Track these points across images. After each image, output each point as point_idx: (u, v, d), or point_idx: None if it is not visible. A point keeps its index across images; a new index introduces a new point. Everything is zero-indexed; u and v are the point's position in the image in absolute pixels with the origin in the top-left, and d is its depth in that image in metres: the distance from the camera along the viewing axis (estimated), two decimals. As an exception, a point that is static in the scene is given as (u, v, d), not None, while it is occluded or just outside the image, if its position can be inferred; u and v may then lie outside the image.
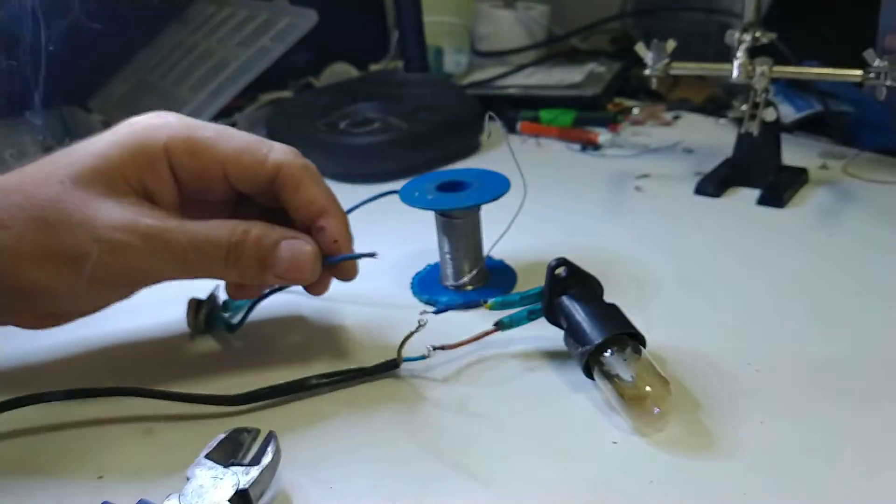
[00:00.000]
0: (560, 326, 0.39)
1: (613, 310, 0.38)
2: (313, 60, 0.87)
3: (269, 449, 0.32)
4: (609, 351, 0.36)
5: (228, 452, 0.32)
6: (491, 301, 0.41)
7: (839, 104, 0.70)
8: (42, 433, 0.36)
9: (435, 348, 0.39)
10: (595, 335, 0.36)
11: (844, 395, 0.36)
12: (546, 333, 0.40)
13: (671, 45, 0.58)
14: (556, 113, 0.76)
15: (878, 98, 0.52)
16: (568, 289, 0.39)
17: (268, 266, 0.36)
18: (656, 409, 0.34)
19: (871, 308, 0.42)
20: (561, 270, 0.39)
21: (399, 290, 0.47)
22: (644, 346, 0.37)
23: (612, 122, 0.75)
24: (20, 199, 0.35)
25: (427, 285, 0.47)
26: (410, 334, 0.38)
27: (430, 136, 0.68)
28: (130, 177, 0.36)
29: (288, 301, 0.46)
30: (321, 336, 0.44)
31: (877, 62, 0.51)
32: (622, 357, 0.35)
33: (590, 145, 0.70)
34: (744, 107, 0.56)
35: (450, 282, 0.46)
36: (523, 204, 0.45)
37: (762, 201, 0.56)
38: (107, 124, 0.38)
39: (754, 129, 0.56)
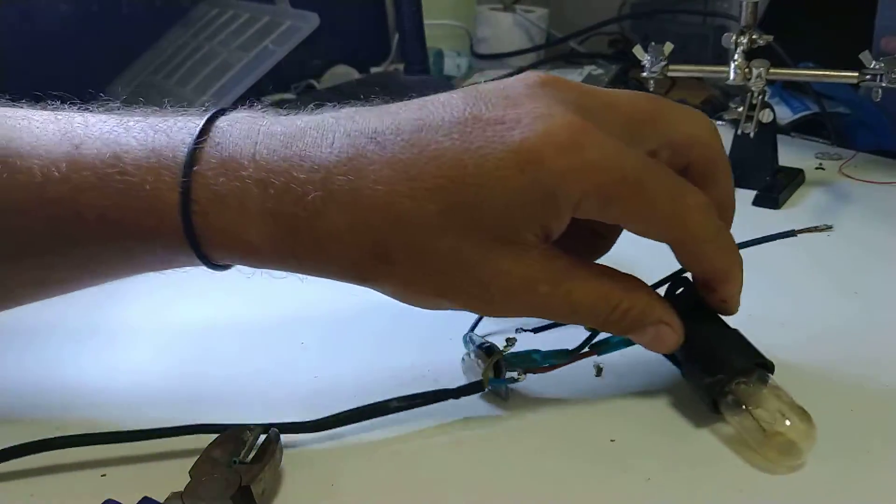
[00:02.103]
0: (671, 356, 0.35)
1: (736, 335, 0.34)
2: (315, 63, 0.87)
3: (271, 447, 0.32)
4: (739, 380, 0.32)
5: (231, 450, 0.32)
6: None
7: (835, 106, 0.71)
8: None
9: (526, 371, 0.35)
10: (727, 363, 0.33)
11: (841, 395, 0.36)
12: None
13: (669, 47, 0.58)
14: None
15: (874, 99, 0.52)
16: (687, 314, 0.34)
17: (628, 333, 0.34)
18: (799, 446, 0.31)
19: (867, 308, 0.43)
20: (681, 292, 0.35)
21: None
22: (772, 373, 0.33)
23: (610, 124, 0.75)
24: (401, 233, 0.30)
25: None
26: (499, 353, 0.35)
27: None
28: (534, 227, 0.30)
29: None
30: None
31: (873, 64, 0.51)
32: (755, 387, 0.32)
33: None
34: (740, 108, 0.57)
35: None
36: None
37: (758, 202, 0.57)
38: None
39: (751, 130, 0.56)
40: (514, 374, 0.35)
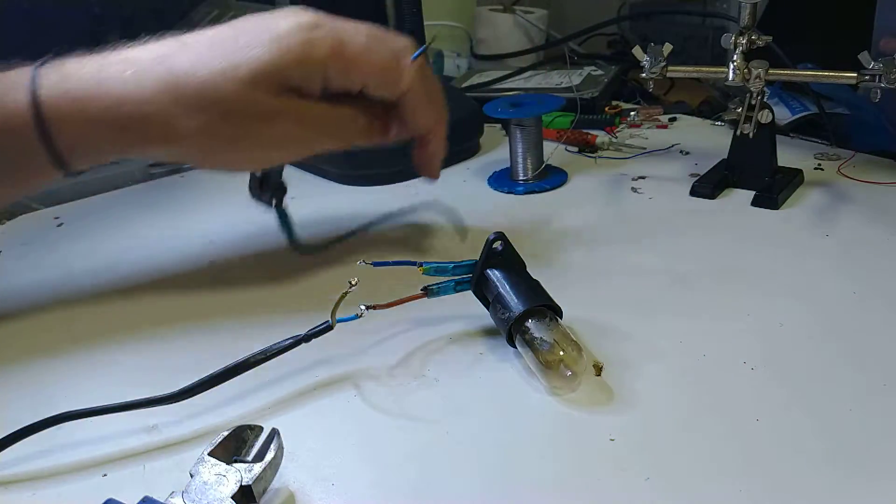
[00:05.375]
0: (483, 299, 0.42)
1: (536, 284, 0.41)
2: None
3: (271, 446, 0.32)
4: (531, 319, 0.39)
5: (231, 449, 0.32)
6: (425, 265, 0.43)
7: (834, 106, 0.71)
8: (46, 430, 0.36)
9: (367, 307, 0.40)
10: (520, 305, 0.39)
11: (840, 395, 0.36)
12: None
13: (668, 48, 0.58)
14: (554, 115, 0.76)
15: (873, 100, 0.52)
16: (498, 264, 0.42)
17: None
18: (569, 372, 0.37)
19: (866, 308, 0.43)
20: (498, 244, 0.41)
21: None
22: (560, 317, 0.40)
23: (609, 125, 0.75)
24: (205, 89, 0.41)
25: (502, 181, 0.63)
26: (344, 295, 0.39)
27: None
28: (294, 80, 0.42)
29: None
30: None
31: (871, 65, 0.51)
32: (543, 325, 0.39)
33: (587, 147, 0.71)
34: (739, 109, 0.57)
35: (520, 176, 0.62)
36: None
37: (757, 202, 0.57)
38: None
39: (750, 131, 0.56)
40: (359, 311, 0.40)
